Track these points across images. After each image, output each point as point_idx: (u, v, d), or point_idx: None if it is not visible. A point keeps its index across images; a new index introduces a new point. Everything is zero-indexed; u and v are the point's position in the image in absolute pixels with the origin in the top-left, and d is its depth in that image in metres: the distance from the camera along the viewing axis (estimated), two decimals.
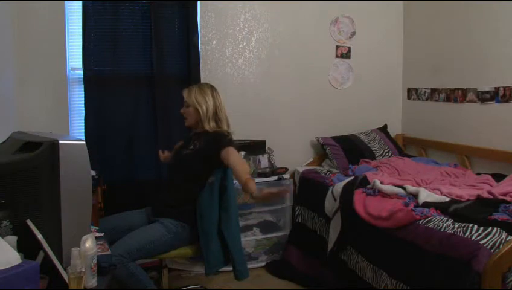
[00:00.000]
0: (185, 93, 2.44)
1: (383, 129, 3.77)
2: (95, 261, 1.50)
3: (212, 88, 2.47)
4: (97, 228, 2.03)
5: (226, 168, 2.34)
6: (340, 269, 2.65)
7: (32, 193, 1.46)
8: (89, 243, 1.48)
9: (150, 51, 3.13)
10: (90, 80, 3.02)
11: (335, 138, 3.55)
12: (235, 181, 2.24)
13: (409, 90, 3.82)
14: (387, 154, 3.51)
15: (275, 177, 3.26)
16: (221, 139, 2.31)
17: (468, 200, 2.25)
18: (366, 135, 3.66)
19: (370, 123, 3.78)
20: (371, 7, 3.75)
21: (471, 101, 3.13)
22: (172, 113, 3.00)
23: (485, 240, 1.79)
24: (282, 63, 3.57)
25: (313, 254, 3.01)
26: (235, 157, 2.21)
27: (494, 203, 2.16)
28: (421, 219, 2.11)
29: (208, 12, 3.36)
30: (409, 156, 3.47)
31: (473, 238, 1.82)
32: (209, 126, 2.38)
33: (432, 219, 2.08)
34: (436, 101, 3.47)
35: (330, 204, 2.79)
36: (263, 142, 3.43)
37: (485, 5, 2.99)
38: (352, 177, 2.83)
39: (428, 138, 3.58)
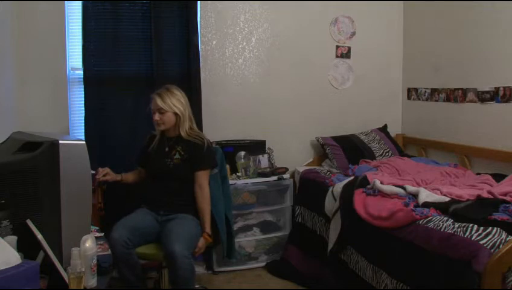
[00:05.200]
0: (158, 100, 2.45)
1: (383, 129, 3.77)
2: (95, 261, 1.50)
3: (179, 89, 2.55)
4: (97, 228, 2.03)
5: (222, 160, 2.68)
6: (340, 269, 2.65)
7: (32, 193, 1.47)
8: (89, 243, 1.48)
9: (150, 51, 3.13)
10: (90, 80, 3.02)
11: (335, 138, 3.55)
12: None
13: (409, 90, 3.82)
14: (387, 154, 3.51)
15: (274, 177, 3.26)
16: (210, 157, 2.54)
17: (468, 200, 2.25)
18: (366, 135, 3.66)
19: (370, 123, 3.78)
20: (371, 7, 3.75)
21: (471, 101, 3.13)
22: None
23: (485, 240, 1.79)
24: (282, 63, 3.57)
25: (313, 254, 3.01)
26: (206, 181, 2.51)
27: (494, 203, 2.16)
28: (421, 219, 2.11)
29: (208, 12, 3.36)
30: (409, 156, 3.47)
31: (473, 238, 1.82)
32: (185, 128, 2.50)
33: (432, 218, 2.08)
34: (436, 101, 3.47)
35: (330, 204, 2.79)
36: (263, 142, 3.43)
37: (485, 5, 2.99)
38: (352, 177, 2.83)
39: (428, 138, 3.58)
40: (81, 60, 3.03)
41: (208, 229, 2.44)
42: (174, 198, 2.49)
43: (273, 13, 3.52)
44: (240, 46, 3.47)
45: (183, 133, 2.51)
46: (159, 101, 2.45)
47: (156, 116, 2.47)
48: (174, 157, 2.51)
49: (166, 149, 2.54)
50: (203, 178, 2.49)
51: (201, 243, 2.38)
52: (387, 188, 2.51)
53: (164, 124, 2.48)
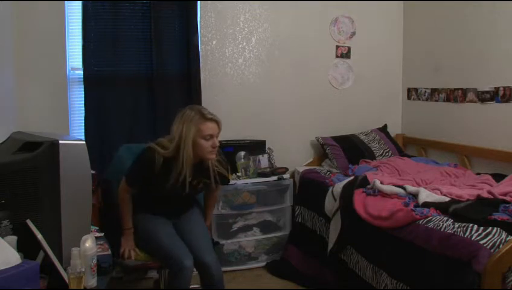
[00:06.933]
0: (219, 124, 2.21)
1: (383, 129, 3.77)
2: (95, 261, 1.50)
3: None
4: (97, 228, 2.03)
5: None
6: (340, 269, 2.65)
7: (32, 192, 1.47)
8: (89, 243, 1.48)
9: (150, 51, 3.13)
10: (90, 80, 3.03)
11: (335, 138, 3.55)
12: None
13: (409, 90, 3.82)
14: (387, 154, 3.51)
15: (274, 177, 3.26)
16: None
17: (468, 200, 2.25)
18: (366, 135, 3.66)
19: (370, 123, 3.78)
20: (371, 7, 3.75)
21: (471, 101, 3.13)
22: (172, 113, 3.00)
23: (485, 240, 1.79)
24: (282, 63, 3.57)
25: (313, 254, 3.01)
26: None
27: (494, 203, 2.16)
28: (421, 219, 2.11)
29: (208, 12, 3.36)
30: (409, 156, 3.47)
31: (473, 238, 1.82)
32: None
33: (431, 219, 2.08)
34: (436, 101, 3.47)
35: (330, 204, 2.79)
36: (263, 142, 3.43)
37: (485, 5, 2.99)
38: (352, 177, 2.83)
39: (428, 138, 3.58)
40: (81, 60, 3.03)
41: (209, 222, 2.55)
42: (187, 207, 2.46)
43: (273, 13, 3.52)
44: (240, 46, 3.47)
45: (209, 163, 2.24)
46: (219, 125, 2.20)
47: (216, 142, 2.18)
48: (199, 187, 2.32)
49: (189, 179, 2.21)
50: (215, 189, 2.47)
51: None
52: (387, 188, 2.51)
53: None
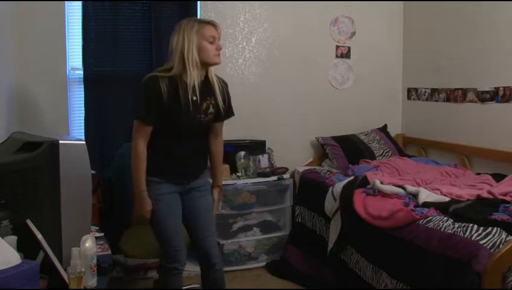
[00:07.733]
0: (218, 27, 2.06)
1: (383, 129, 3.77)
2: (95, 261, 1.50)
3: None
4: (97, 228, 2.03)
5: None
6: (340, 269, 2.66)
7: (32, 192, 1.47)
8: (89, 243, 1.48)
9: (150, 51, 3.14)
10: (90, 80, 3.03)
11: (335, 138, 3.55)
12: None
13: (409, 90, 3.82)
14: (387, 154, 3.51)
15: (274, 177, 3.26)
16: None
17: (468, 200, 2.25)
18: (366, 135, 3.66)
19: (370, 123, 3.78)
20: (371, 7, 3.75)
21: (471, 101, 3.13)
22: None
23: (485, 240, 1.79)
24: (282, 63, 3.57)
25: (313, 254, 3.01)
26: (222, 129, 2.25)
27: (494, 203, 2.16)
28: (421, 219, 2.11)
29: (208, 12, 3.36)
30: (409, 156, 3.47)
31: (473, 238, 1.82)
32: None
33: (431, 219, 2.08)
34: (436, 101, 3.47)
35: (330, 204, 2.79)
36: (263, 142, 3.43)
37: (485, 5, 2.99)
38: (352, 177, 2.83)
39: (428, 138, 3.58)
40: (81, 60, 3.03)
41: (221, 181, 2.27)
42: (197, 157, 2.16)
43: (273, 13, 3.52)
44: (240, 46, 3.47)
45: (211, 74, 2.06)
46: (218, 28, 2.04)
47: (220, 45, 2.04)
48: (208, 112, 2.06)
49: (194, 98, 2.00)
50: (221, 126, 2.20)
51: (217, 197, 2.23)
52: (387, 188, 2.51)
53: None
